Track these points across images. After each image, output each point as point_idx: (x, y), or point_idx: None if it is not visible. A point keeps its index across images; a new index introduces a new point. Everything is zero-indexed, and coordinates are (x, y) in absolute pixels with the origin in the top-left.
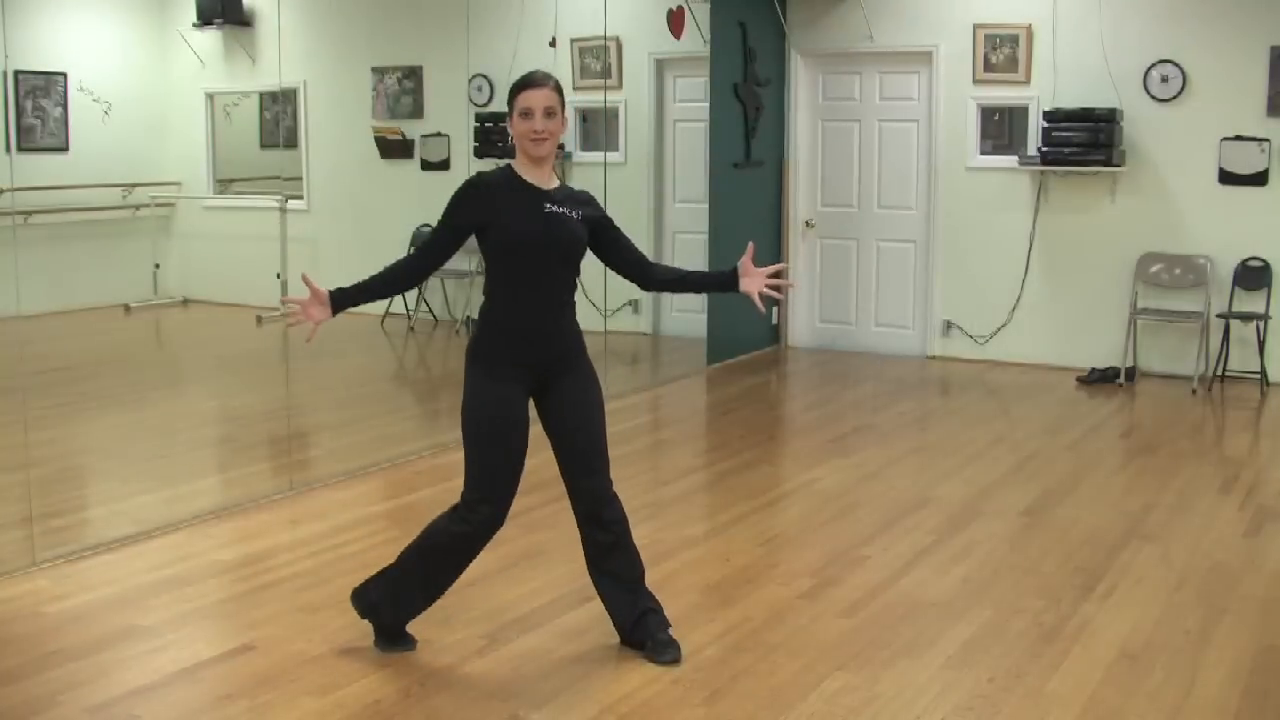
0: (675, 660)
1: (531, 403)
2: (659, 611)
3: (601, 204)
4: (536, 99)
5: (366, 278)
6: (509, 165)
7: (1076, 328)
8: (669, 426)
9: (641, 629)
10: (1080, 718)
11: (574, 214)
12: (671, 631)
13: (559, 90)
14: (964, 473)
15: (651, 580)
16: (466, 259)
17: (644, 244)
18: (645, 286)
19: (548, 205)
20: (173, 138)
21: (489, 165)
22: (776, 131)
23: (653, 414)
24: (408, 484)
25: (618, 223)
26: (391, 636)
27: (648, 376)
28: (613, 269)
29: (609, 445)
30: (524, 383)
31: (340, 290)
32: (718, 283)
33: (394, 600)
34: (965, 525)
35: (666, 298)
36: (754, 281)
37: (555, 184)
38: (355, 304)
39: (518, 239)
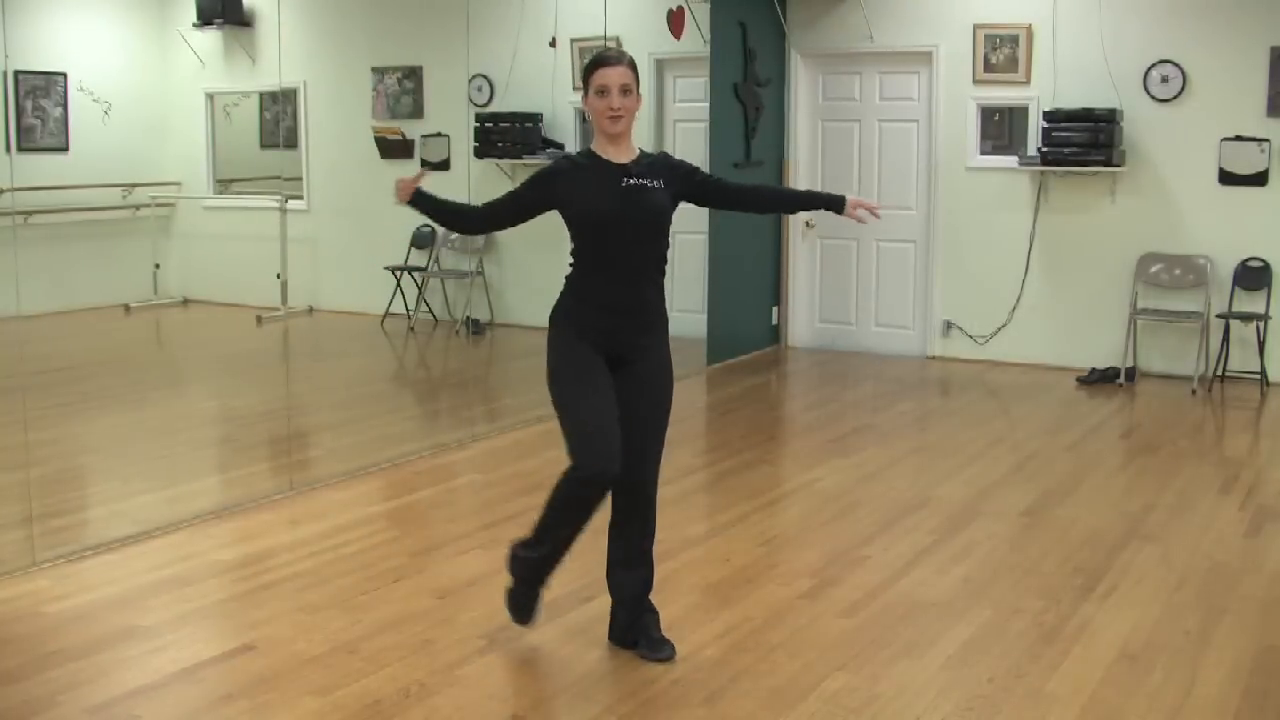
0: (671, 657)
1: None
2: (656, 612)
3: (680, 159)
4: (612, 76)
5: (451, 200)
6: (589, 147)
7: (1076, 328)
8: (669, 426)
9: (637, 627)
10: (1080, 718)
11: (654, 183)
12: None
13: (634, 67)
14: (964, 473)
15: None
16: (467, 259)
17: None
18: (761, 213)
19: (626, 180)
20: (173, 138)
21: (489, 165)
22: (776, 131)
23: None
24: (408, 484)
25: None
26: (520, 600)
27: None
28: (725, 209)
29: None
30: (601, 349)
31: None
32: (826, 203)
33: (525, 561)
34: (965, 525)
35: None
36: (854, 210)
37: (634, 156)
38: (429, 208)
39: (597, 217)
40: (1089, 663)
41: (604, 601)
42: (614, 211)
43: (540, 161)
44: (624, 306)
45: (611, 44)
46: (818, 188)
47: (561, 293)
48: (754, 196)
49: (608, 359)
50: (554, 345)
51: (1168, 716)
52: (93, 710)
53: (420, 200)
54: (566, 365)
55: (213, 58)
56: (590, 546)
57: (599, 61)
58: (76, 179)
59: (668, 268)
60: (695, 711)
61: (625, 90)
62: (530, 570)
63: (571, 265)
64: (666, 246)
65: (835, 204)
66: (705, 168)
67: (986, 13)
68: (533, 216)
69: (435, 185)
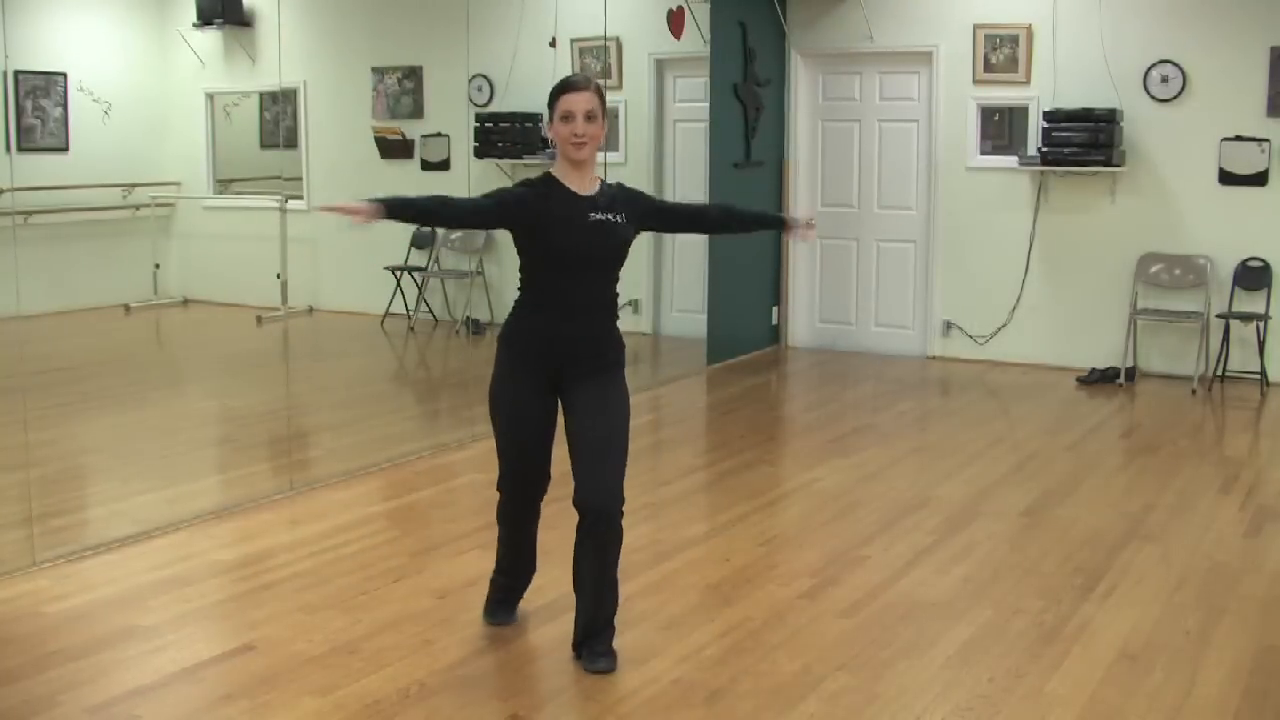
0: (608, 670)
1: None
2: (611, 627)
3: (634, 188)
4: (578, 102)
5: (420, 196)
6: (548, 173)
7: (1076, 328)
8: (669, 426)
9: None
10: (1080, 718)
11: (618, 218)
12: (614, 643)
13: (600, 93)
14: (964, 473)
15: (651, 580)
16: (467, 259)
17: (645, 243)
18: (714, 234)
19: (592, 214)
20: (173, 138)
21: (489, 165)
22: (776, 131)
23: (653, 414)
24: (408, 484)
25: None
26: (494, 604)
27: (648, 376)
28: (681, 234)
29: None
30: (545, 377)
31: (389, 198)
32: (772, 224)
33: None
34: (965, 525)
35: (667, 297)
36: (795, 235)
37: (597, 186)
38: (402, 213)
39: (561, 253)
40: (1089, 663)
41: None
42: (581, 247)
43: (541, 162)
44: (570, 337)
45: (602, 46)
46: (818, 188)
47: (510, 315)
48: (705, 219)
49: (556, 383)
50: (496, 371)
51: (1168, 716)
52: (93, 710)
53: (393, 209)
54: (496, 401)
55: (213, 58)
56: None
57: (564, 87)
58: (76, 179)
59: (667, 267)
60: (695, 711)
61: (590, 117)
62: (501, 568)
63: (520, 289)
64: (615, 281)
65: (779, 225)
66: (705, 168)
67: (986, 13)
68: (505, 223)
69: (435, 185)
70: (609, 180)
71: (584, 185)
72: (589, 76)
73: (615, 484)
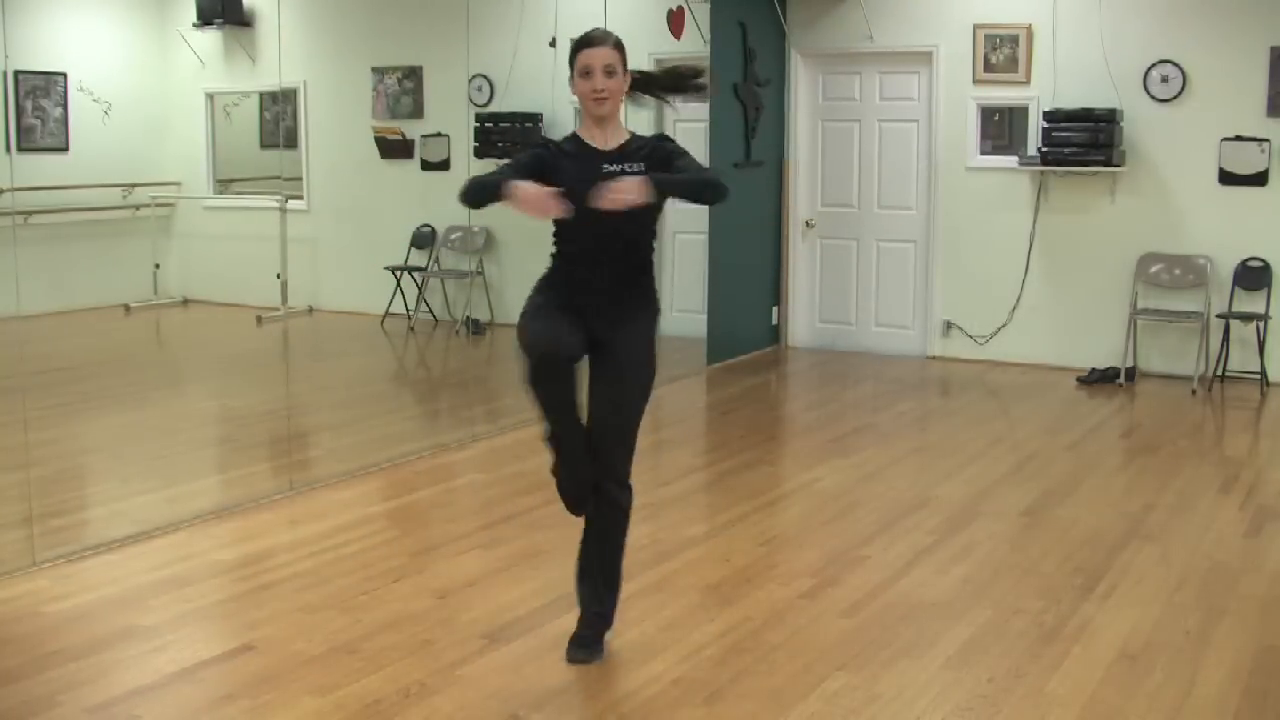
0: (585, 661)
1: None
2: (608, 619)
3: (673, 143)
4: (596, 57)
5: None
6: (575, 131)
7: (1076, 328)
8: (669, 426)
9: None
10: (1080, 718)
11: (634, 168)
12: (609, 637)
13: (619, 48)
14: (964, 473)
15: (651, 580)
16: (467, 259)
17: None
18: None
19: (606, 166)
20: (173, 138)
21: (489, 166)
22: (776, 131)
23: (653, 414)
24: (408, 484)
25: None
26: (565, 485)
27: None
28: None
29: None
30: (581, 315)
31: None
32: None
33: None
34: (965, 525)
35: (667, 297)
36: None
37: (620, 141)
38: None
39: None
40: (1089, 663)
41: None
42: (584, 198)
43: None
44: (601, 288)
45: None
46: (818, 188)
47: (547, 269)
48: (695, 194)
49: (589, 331)
50: (530, 297)
51: (1168, 716)
52: (93, 710)
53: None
54: (531, 304)
55: (213, 58)
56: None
57: (583, 42)
58: (76, 179)
59: (667, 267)
60: (695, 711)
61: (609, 71)
62: (558, 443)
63: (554, 243)
64: (650, 233)
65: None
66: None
67: (986, 13)
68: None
69: (436, 185)
70: (652, 134)
71: (608, 140)
72: (607, 31)
73: (619, 463)
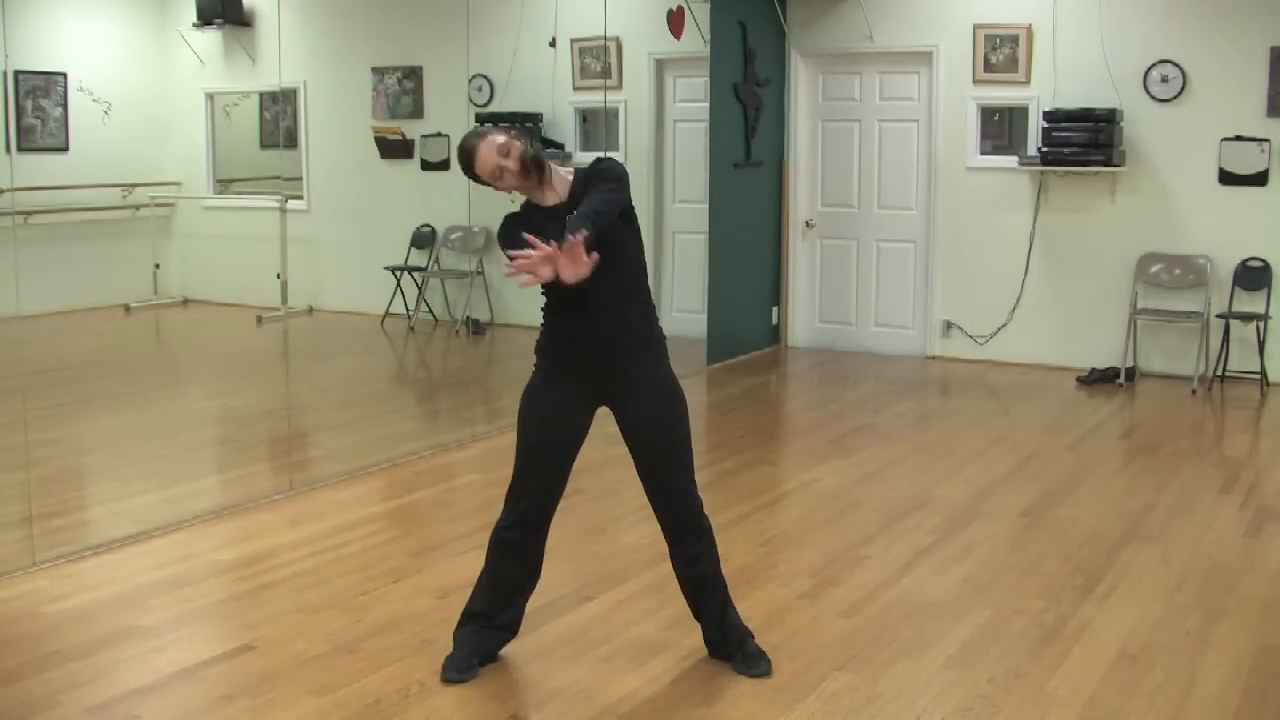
0: (767, 673)
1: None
2: (747, 631)
3: (601, 165)
4: (482, 173)
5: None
6: (525, 199)
7: (1076, 328)
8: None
9: (729, 643)
10: (1080, 718)
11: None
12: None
13: (493, 148)
14: (964, 473)
15: (652, 580)
16: (467, 259)
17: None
18: None
19: (568, 217)
20: (173, 138)
21: None
22: (776, 131)
23: None
24: (408, 484)
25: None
26: (457, 660)
27: None
28: None
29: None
30: (586, 384)
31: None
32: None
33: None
34: (965, 525)
35: (667, 297)
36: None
37: (566, 189)
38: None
39: None
40: (1089, 663)
41: (603, 602)
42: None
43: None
44: (598, 336)
45: (602, 46)
46: (818, 188)
47: (541, 325)
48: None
49: (599, 395)
50: (530, 380)
51: (1168, 716)
52: (93, 710)
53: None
54: (530, 400)
55: (213, 58)
56: (583, 551)
57: (464, 169)
58: (76, 179)
59: (667, 267)
60: (695, 711)
61: (496, 174)
62: (476, 605)
63: (544, 299)
64: (634, 267)
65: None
66: (705, 168)
67: (986, 13)
68: None
69: (435, 186)
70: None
71: (551, 197)
72: (472, 144)
73: (685, 491)
